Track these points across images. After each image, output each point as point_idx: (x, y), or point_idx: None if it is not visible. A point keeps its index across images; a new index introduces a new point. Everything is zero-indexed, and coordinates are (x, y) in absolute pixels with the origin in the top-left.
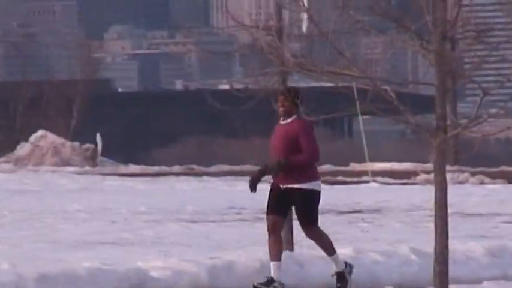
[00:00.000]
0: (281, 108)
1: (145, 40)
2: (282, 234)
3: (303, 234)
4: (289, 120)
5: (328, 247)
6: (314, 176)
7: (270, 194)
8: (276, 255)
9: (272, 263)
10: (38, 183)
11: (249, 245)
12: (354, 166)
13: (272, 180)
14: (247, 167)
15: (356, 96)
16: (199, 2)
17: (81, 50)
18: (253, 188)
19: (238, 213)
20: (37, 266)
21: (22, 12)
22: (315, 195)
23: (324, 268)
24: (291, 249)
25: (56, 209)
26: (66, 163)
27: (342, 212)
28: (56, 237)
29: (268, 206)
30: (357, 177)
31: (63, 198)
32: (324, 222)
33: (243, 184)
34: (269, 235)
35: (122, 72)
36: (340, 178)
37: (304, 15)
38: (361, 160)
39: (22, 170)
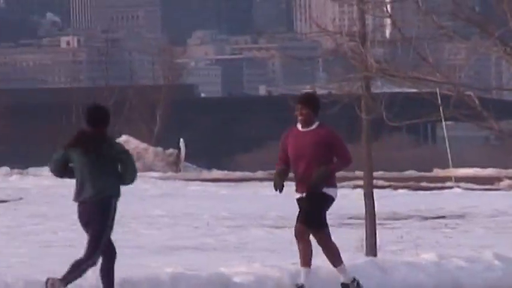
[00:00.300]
0: (300, 117)
1: (228, 45)
2: (365, 240)
3: (386, 239)
4: (313, 127)
5: (308, 258)
6: (332, 183)
7: (298, 206)
8: (305, 262)
9: (302, 269)
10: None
11: None
12: (438, 172)
13: (296, 194)
14: None
15: (439, 102)
16: (283, 8)
17: (164, 55)
18: (281, 189)
19: None
20: (120, 271)
21: (106, 17)
22: (328, 200)
23: (407, 274)
24: (374, 254)
25: (139, 214)
26: (149, 168)
27: (425, 218)
28: (139, 242)
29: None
30: (441, 182)
31: (146, 203)
32: (407, 227)
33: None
34: (297, 242)
35: (205, 77)
36: (423, 184)
37: (388, 21)
38: (445, 166)
39: None
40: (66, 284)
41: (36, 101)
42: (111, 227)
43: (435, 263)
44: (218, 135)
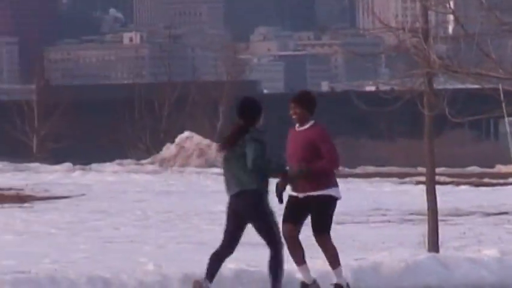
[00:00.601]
0: (294, 116)
1: (291, 41)
2: (427, 236)
3: (448, 235)
4: (306, 126)
5: (333, 260)
6: (332, 183)
7: (288, 204)
8: (300, 260)
9: (299, 268)
10: (183, 184)
11: (394, 246)
12: (500, 168)
13: (291, 191)
14: (393, 169)
15: (502, 98)
16: (345, 4)
17: (227, 51)
18: (280, 199)
19: (384, 215)
20: (182, 267)
21: (168, 13)
22: (332, 202)
23: (469, 271)
24: (437, 250)
25: (201, 210)
26: (212, 164)
27: (488, 214)
28: (201, 238)
29: (284, 214)
30: (503, 179)
31: (208, 199)
32: (470, 223)
33: (389, 185)
34: (286, 243)
35: (268, 73)
36: (486, 180)
37: (451, 17)
38: (507, 162)
39: (167, 171)
40: None
41: (99, 97)
42: (271, 215)
43: (497, 259)
44: (280, 130)
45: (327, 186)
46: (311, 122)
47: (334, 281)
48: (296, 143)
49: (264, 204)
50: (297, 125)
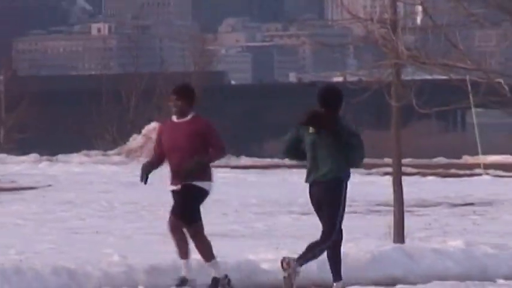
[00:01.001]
0: (174, 108)
1: (259, 32)
2: (393, 227)
3: (414, 226)
4: (188, 118)
5: (206, 253)
6: (208, 176)
7: (173, 197)
8: (183, 254)
9: (182, 262)
10: (150, 176)
11: (360, 238)
12: (467, 159)
13: (171, 182)
14: None
15: (469, 89)
16: None
17: (194, 42)
18: (145, 179)
19: (349, 206)
20: (147, 258)
21: (136, 4)
22: (203, 193)
23: (435, 261)
24: (402, 241)
25: (167, 201)
26: None
27: (454, 205)
28: (166, 229)
29: (172, 206)
30: (470, 170)
31: None
32: (436, 214)
33: (355, 176)
34: (172, 235)
35: (236, 64)
36: (452, 171)
37: (419, 8)
38: (474, 153)
39: (134, 162)
40: (301, 264)
41: (66, 88)
42: (344, 208)
43: (462, 250)
44: (248, 122)
45: (202, 179)
46: (192, 114)
47: (212, 275)
48: (179, 135)
49: (342, 193)
50: (175, 116)
